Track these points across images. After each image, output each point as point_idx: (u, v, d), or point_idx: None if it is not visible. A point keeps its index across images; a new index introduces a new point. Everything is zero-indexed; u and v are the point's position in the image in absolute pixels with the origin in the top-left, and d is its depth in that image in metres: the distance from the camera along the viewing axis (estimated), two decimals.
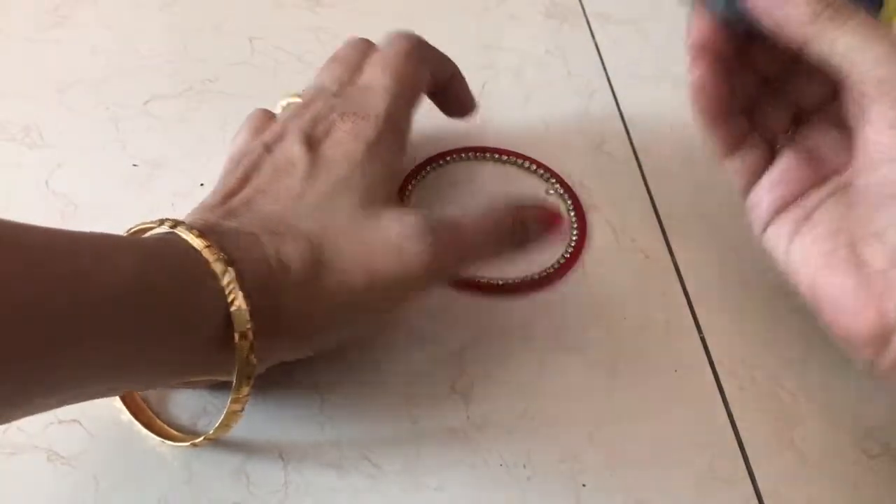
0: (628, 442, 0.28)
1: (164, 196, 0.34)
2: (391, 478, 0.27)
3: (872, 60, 0.23)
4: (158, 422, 0.28)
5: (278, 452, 0.27)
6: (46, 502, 0.26)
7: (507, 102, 0.37)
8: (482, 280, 0.32)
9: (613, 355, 0.30)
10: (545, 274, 0.32)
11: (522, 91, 0.40)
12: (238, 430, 0.28)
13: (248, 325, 0.23)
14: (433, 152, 0.37)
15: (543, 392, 0.29)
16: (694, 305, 0.32)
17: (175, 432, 0.27)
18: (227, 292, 0.22)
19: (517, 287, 0.32)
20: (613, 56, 0.43)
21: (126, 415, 0.27)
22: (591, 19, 0.45)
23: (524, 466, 0.27)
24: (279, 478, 0.27)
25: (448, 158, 0.36)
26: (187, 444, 0.26)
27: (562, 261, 0.33)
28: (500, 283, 0.32)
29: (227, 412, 0.25)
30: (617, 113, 0.40)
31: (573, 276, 0.33)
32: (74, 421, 0.27)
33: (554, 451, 0.28)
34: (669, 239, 0.34)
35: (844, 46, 0.23)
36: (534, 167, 0.36)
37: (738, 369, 0.30)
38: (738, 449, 0.28)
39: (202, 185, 0.34)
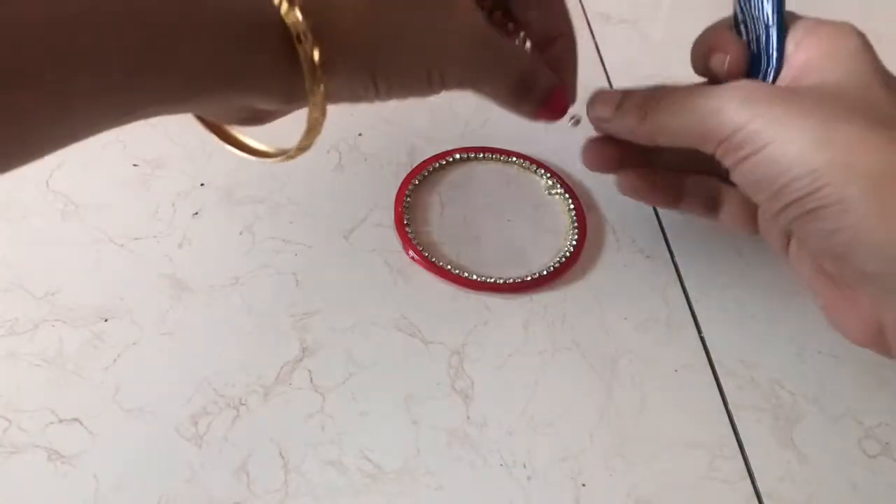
0: (628, 442, 0.28)
1: (164, 196, 0.34)
2: (391, 478, 0.27)
3: (699, 127, 0.25)
4: (246, 140, 0.26)
5: (278, 452, 0.27)
6: (46, 502, 0.26)
7: None
8: (483, 279, 0.32)
9: (613, 355, 0.30)
10: (545, 273, 0.32)
11: None
12: (238, 430, 0.28)
13: (305, 27, 0.21)
14: (433, 152, 0.37)
15: (543, 392, 0.29)
16: (694, 305, 0.32)
17: (264, 148, 0.25)
18: None
19: (518, 286, 0.32)
20: (613, 56, 0.43)
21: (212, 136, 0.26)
22: (591, 19, 0.45)
23: (524, 466, 0.27)
24: (279, 478, 0.27)
25: (448, 158, 0.36)
26: (280, 157, 0.25)
27: (562, 260, 0.33)
28: (501, 281, 0.32)
29: (308, 121, 0.23)
30: None
31: (573, 276, 0.33)
32: (74, 420, 0.27)
33: (554, 451, 0.28)
34: (669, 239, 0.34)
35: (677, 123, 0.26)
36: (534, 167, 0.37)
37: (738, 369, 0.30)
38: (738, 449, 0.28)
39: (202, 185, 0.34)
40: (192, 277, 0.32)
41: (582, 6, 0.46)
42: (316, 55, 0.21)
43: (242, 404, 0.28)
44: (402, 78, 0.24)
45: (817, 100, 0.24)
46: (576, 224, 0.34)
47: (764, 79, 0.28)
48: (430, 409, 0.29)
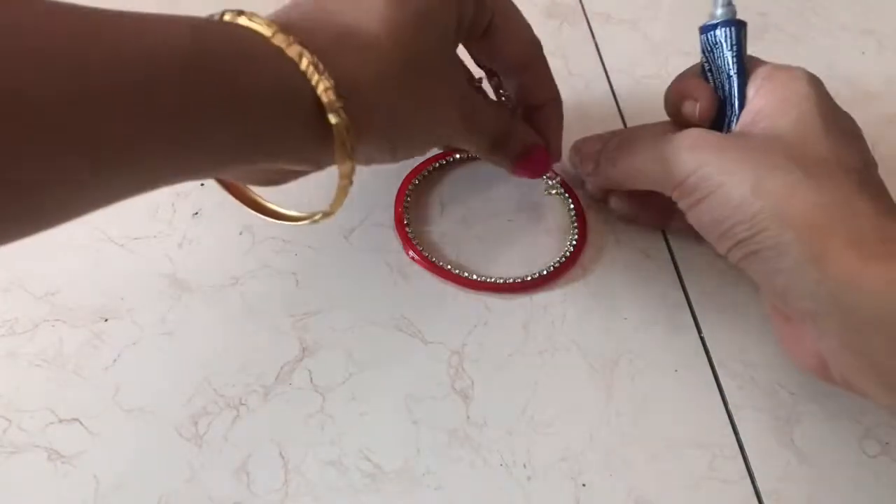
0: (628, 442, 0.28)
1: (164, 196, 0.34)
2: (391, 478, 0.27)
3: (656, 173, 0.28)
4: (269, 204, 0.28)
5: (278, 452, 0.27)
6: (46, 502, 0.26)
7: None
8: (483, 279, 0.32)
9: (613, 355, 0.30)
10: (545, 273, 0.32)
11: None
12: (238, 430, 0.28)
13: (339, 104, 0.22)
14: (434, 152, 0.37)
15: (543, 392, 0.29)
16: (694, 305, 0.32)
17: (290, 212, 0.27)
18: (308, 76, 0.22)
19: (518, 286, 0.32)
20: (613, 56, 0.43)
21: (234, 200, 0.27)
22: (591, 19, 0.45)
23: (524, 466, 0.27)
24: (279, 478, 0.27)
25: (449, 158, 0.36)
26: (307, 221, 0.27)
27: (562, 260, 0.33)
28: (501, 281, 0.32)
29: (337, 189, 0.25)
30: (617, 113, 0.40)
31: (573, 276, 0.33)
32: (74, 420, 0.27)
33: (554, 451, 0.28)
34: (669, 239, 0.34)
35: (637, 169, 0.29)
36: None
37: (738, 369, 0.30)
38: (738, 449, 0.28)
39: (202, 185, 0.34)
40: (192, 277, 0.32)
41: (582, 6, 0.46)
42: (348, 134, 0.23)
43: (242, 404, 0.28)
44: (414, 148, 0.28)
45: (760, 147, 0.26)
46: (575, 224, 0.34)
47: (728, 125, 0.30)
48: (430, 409, 0.29)
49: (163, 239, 0.33)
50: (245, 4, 0.23)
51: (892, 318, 0.22)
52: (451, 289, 0.32)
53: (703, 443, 0.28)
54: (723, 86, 0.30)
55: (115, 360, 0.29)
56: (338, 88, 0.23)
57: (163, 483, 0.26)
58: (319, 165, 0.25)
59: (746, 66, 0.29)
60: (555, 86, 0.33)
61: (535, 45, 0.31)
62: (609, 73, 0.42)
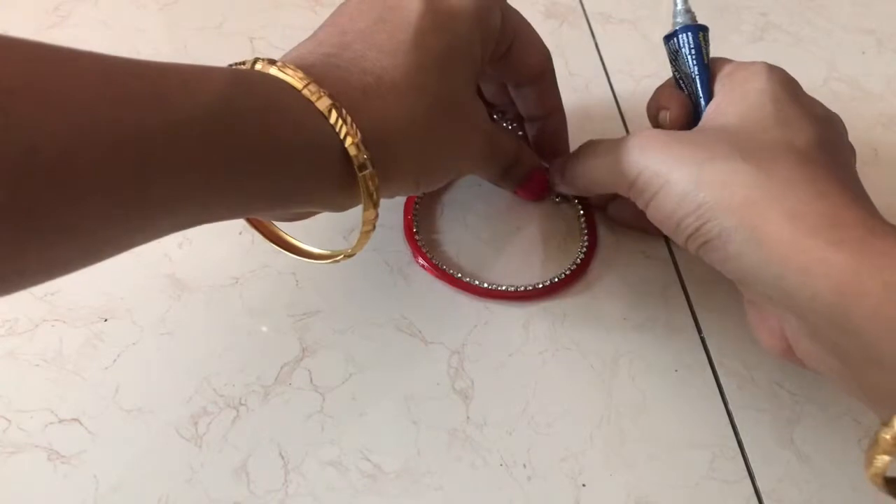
0: (628, 442, 0.28)
1: None
2: (391, 478, 0.27)
3: (611, 175, 0.28)
4: (293, 240, 0.28)
5: (278, 452, 0.27)
6: (46, 502, 0.26)
7: None
8: (494, 287, 0.32)
9: (613, 355, 0.30)
10: (556, 281, 0.32)
11: None
12: (238, 430, 0.28)
13: (366, 156, 0.23)
14: None
15: (543, 392, 0.29)
16: (694, 305, 0.32)
17: (313, 249, 0.28)
18: (337, 129, 0.23)
19: (530, 294, 0.32)
20: (613, 56, 0.43)
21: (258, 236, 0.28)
22: (591, 19, 0.45)
23: (524, 466, 0.27)
24: (279, 478, 0.27)
25: None
26: (331, 261, 0.27)
27: (573, 267, 0.32)
28: (513, 289, 0.32)
29: (361, 234, 0.26)
30: (617, 112, 0.40)
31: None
32: (74, 420, 0.28)
33: (554, 451, 0.28)
34: (669, 239, 0.34)
35: (595, 175, 0.29)
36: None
37: (739, 369, 0.30)
38: (738, 449, 0.28)
39: None
40: (192, 277, 0.32)
41: (582, 6, 0.46)
42: (374, 185, 0.24)
43: (242, 404, 0.28)
44: (438, 183, 0.29)
45: (704, 140, 0.26)
46: (585, 231, 0.34)
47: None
48: (430, 409, 0.29)
49: (163, 239, 0.33)
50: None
51: (840, 315, 0.21)
52: (450, 289, 0.32)
53: (703, 443, 0.28)
54: (691, 91, 0.30)
55: (114, 360, 0.29)
56: (365, 140, 0.23)
57: (163, 483, 0.26)
58: (343, 209, 0.26)
59: (711, 67, 0.30)
60: (559, 94, 0.33)
61: (548, 56, 0.31)
62: (609, 74, 0.42)
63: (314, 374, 0.29)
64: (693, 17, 0.30)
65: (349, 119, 0.23)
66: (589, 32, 0.44)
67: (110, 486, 0.26)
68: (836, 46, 0.43)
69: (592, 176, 0.30)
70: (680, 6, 0.31)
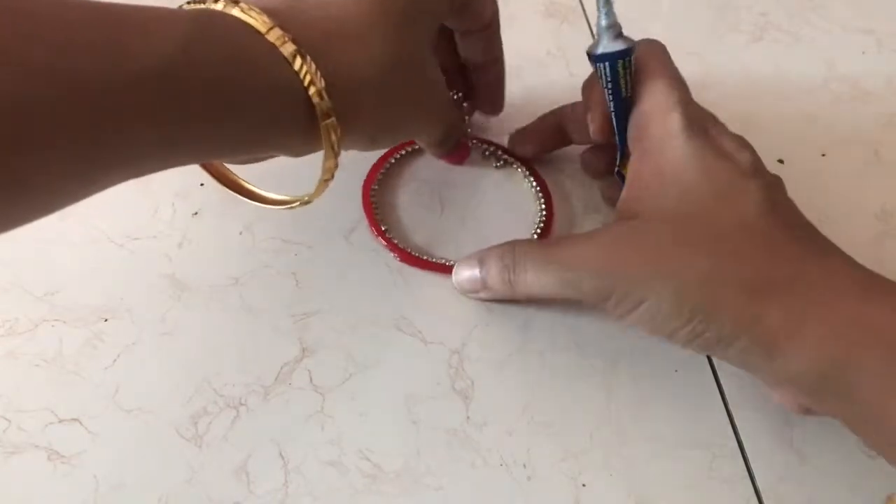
0: (628, 442, 0.28)
1: (164, 196, 0.34)
2: (391, 478, 0.27)
3: (569, 293, 0.28)
4: (249, 185, 0.28)
5: (278, 452, 0.27)
6: (46, 502, 0.26)
7: (508, 103, 0.37)
8: (438, 260, 0.32)
9: (613, 355, 0.30)
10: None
11: (523, 91, 0.40)
12: (238, 430, 0.28)
13: (330, 105, 0.23)
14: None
15: (543, 392, 0.29)
16: None
17: (270, 195, 0.28)
18: (301, 76, 0.22)
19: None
20: None
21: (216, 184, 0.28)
22: (591, 19, 0.45)
23: (524, 466, 0.27)
24: (279, 478, 0.27)
25: (402, 152, 0.36)
26: (285, 206, 0.27)
27: (537, 231, 0.33)
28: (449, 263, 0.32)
29: (319, 182, 0.26)
30: None
31: None
32: (74, 420, 0.27)
33: (554, 451, 0.28)
34: None
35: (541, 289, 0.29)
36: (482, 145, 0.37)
37: (738, 369, 0.30)
38: (738, 449, 0.28)
39: (202, 184, 0.34)
40: (191, 277, 0.32)
41: (582, 6, 0.46)
42: (336, 134, 0.24)
43: (242, 404, 0.28)
44: (393, 141, 0.31)
45: (659, 245, 0.26)
46: (539, 191, 0.35)
47: (617, 161, 0.30)
48: (430, 409, 0.29)
49: (163, 239, 0.33)
50: None
51: (811, 378, 0.24)
52: (450, 289, 0.32)
53: (703, 443, 0.28)
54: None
55: (114, 360, 0.29)
56: (328, 88, 0.23)
57: (163, 483, 0.26)
58: (301, 155, 0.26)
59: (633, 92, 0.28)
60: (502, 46, 0.34)
61: (496, 2, 0.32)
62: None
63: (314, 374, 0.29)
64: (618, 32, 0.27)
65: (313, 66, 0.22)
66: (589, 32, 0.44)
67: (110, 486, 0.26)
68: (835, 46, 0.43)
69: (546, 291, 0.28)
70: (603, 21, 0.27)
